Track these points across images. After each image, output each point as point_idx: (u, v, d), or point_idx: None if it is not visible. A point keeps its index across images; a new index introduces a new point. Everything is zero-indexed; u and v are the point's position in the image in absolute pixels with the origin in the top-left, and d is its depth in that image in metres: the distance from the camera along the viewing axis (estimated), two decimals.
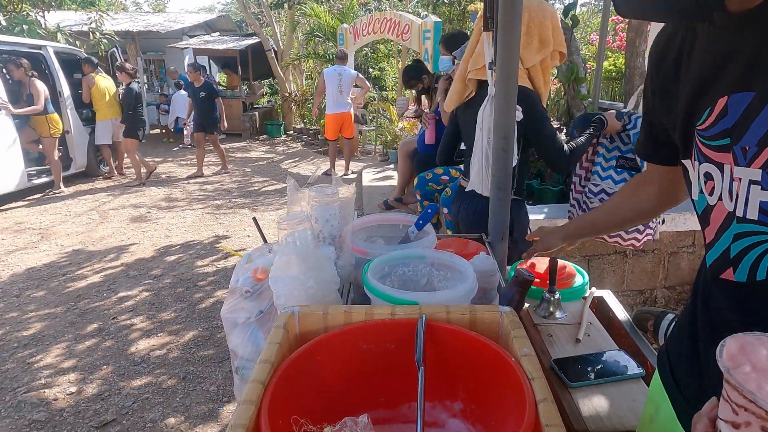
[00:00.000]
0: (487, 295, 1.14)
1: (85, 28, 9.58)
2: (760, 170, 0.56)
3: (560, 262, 1.36)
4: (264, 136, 11.32)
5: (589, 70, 4.31)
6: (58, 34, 9.01)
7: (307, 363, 0.86)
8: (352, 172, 7.51)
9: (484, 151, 1.55)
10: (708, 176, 0.65)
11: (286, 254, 1.02)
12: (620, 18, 7.27)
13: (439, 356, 0.91)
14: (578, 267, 1.48)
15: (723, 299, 0.67)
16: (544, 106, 1.86)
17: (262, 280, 1.56)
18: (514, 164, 1.46)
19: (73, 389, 2.52)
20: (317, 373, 0.88)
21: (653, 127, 0.85)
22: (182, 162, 8.59)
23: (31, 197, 6.14)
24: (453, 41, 2.97)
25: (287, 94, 11.66)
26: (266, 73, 12.63)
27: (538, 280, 1.30)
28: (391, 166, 7.33)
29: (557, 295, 1.31)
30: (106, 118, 6.83)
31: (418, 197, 3.16)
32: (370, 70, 12.69)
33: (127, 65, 6.64)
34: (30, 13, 8.76)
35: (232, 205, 5.93)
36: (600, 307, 1.43)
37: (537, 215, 2.62)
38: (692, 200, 0.72)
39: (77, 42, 9.17)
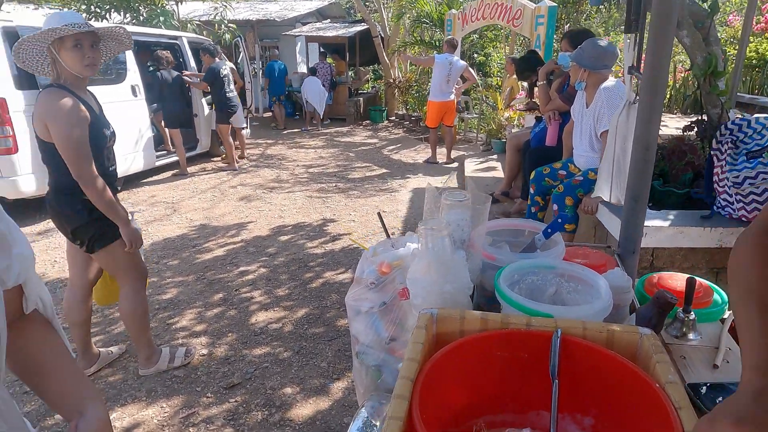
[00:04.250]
0: (619, 312, 1.13)
1: (211, 18, 10.39)
2: None
3: (698, 280, 1.30)
4: (367, 122, 11.62)
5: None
6: (188, 25, 9.87)
7: (446, 363, 0.92)
8: (453, 161, 7.50)
9: (616, 158, 1.51)
10: None
11: (426, 258, 1.09)
12: None
13: (572, 370, 0.93)
14: (716, 286, 1.40)
15: None
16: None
17: (386, 273, 1.66)
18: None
19: (204, 351, 2.84)
20: (454, 374, 0.94)
21: None
22: (291, 145, 9.10)
23: (158, 176, 6.88)
24: (579, 39, 2.86)
25: (391, 80, 11.81)
26: (372, 59, 12.88)
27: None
28: (494, 156, 7.20)
29: (692, 316, 1.25)
30: None
31: (532, 191, 3.11)
32: (475, 55, 12.44)
33: (165, 53, 6.53)
34: (166, 5, 9.67)
35: (337, 189, 6.21)
36: None
37: (660, 221, 2.46)
38: None
39: (204, 32, 9.98)
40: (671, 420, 0.73)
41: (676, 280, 1.38)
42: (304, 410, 2.35)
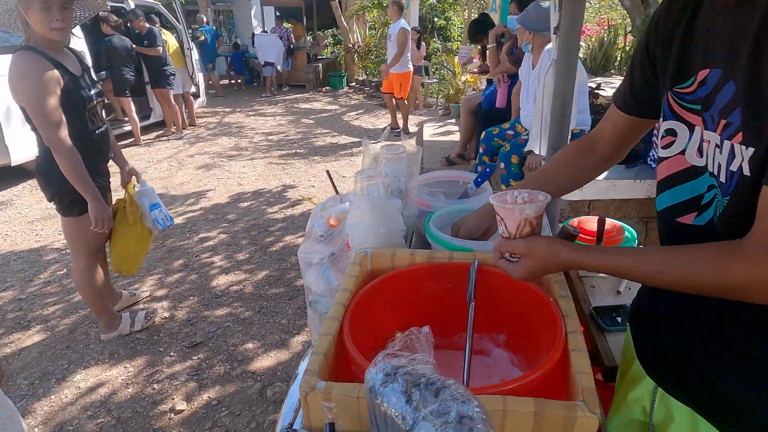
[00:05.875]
0: None
1: None
2: (719, 136, 0.68)
3: (609, 221, 1.46)
4: (327, 88, 11.49)
5: None
6: None
7: (377, 294, 1.04)
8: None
9: (544, 114, 1.63)
10: (670, 132, 0.78)
11: (362, 205, 1.19)
12: None
13: (488, 295, 1.07)
14: (627, 225, 1.56)
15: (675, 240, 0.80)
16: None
17: (334, 226, 1.76)
18: (572, 126, 1.54)
19: (166, 314, 2.90)
20: (385, 303, 1.06)
21: (641, 80, 0.88)
22: (250, 113, 8.96)
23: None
24: (526, 2, 2.94)
25: (350, 45, 11.66)
26: (330, 23, 12.64)
27: (582, 235, 1.41)
28: (453, 120, 7.32)
29: None
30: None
31: (481, 151, 3.24)
32: (435, 19, 12.37)
33: (112, 16, 6.19)
34: None
35: (297, 156, 6.21)
36: None
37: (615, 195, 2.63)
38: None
39: None
40: (557, 324, 0.87)
41: (593, 222, 1.54)
42: (265, 362, 2.47)
